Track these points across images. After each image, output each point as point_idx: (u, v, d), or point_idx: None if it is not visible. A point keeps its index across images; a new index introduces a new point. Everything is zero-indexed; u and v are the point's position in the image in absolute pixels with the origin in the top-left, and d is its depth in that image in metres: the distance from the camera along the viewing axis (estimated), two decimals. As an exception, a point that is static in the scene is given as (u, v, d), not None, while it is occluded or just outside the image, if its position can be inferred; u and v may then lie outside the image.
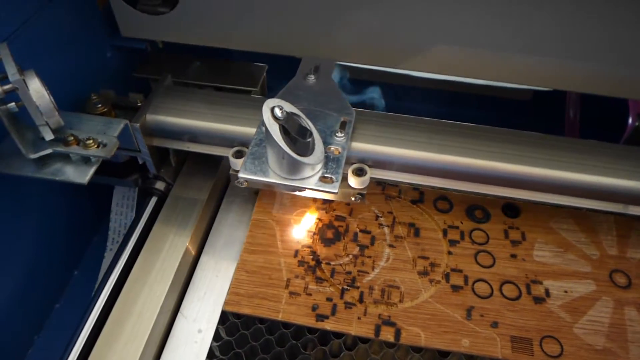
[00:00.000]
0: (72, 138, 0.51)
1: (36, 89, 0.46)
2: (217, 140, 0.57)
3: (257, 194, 0.63)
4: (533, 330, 0.52)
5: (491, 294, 0.54)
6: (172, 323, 0.53)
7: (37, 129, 0.49)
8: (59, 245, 0.68)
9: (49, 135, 0.50)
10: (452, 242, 0.59)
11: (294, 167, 0.50)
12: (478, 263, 0.57)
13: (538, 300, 0.54)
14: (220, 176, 0.65)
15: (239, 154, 0.56)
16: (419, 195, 0.63)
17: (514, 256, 0.58)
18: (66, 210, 0.68)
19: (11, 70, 0.45)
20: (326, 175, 0.51)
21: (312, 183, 0.51)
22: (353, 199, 0.55)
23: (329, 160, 0.52)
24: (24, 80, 0.45)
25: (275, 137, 0.47)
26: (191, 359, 0.50)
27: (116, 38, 0.67)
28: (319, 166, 0.51)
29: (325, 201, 0.62)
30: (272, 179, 0.51)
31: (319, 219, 0.60)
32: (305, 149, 0.50)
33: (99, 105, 0.58)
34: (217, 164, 0.65)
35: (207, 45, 0.64)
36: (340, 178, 0.51)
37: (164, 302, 0.52)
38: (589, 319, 0.53)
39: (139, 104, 0.60)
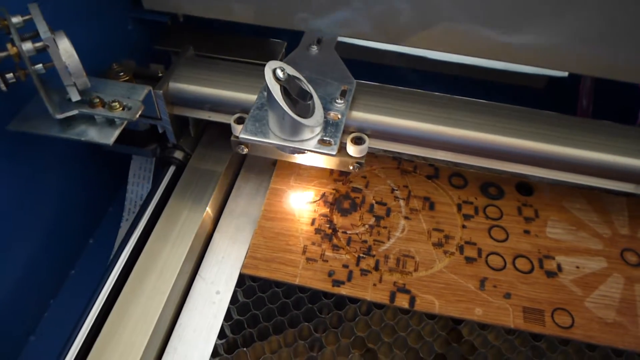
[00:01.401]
0: (97, 100, 0.52)
1: (66, 49, 0.47)
2: (238, 110, 0.57)
3: (274, 164, 0.64)
4: (545, 302, 0.52)
5: (504, 267, 0.55)
6: (191, 285, 0.54)
7: (63, 91, 0.50)
8: (75, 213, 0.69)
9: (75, 96, 0.50)
10: (467, 217, 0.59)
11: (293, 129, 0.50)
12: (492, 237, 0.58)
13: (550, 274, 0.55)
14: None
15: (240, 120, 0.56)
16: (434, 171, 0.64)
17: (527, 232, 0.58)
18: (83, 179, 0.69)
19: (42, 29, 0.46)
20: (325, 138, 0.52)
21: (311, 145, 0.51)
22: (351, 167, 0.55)
23: (328, 125, 0.53)
24: (54, 39, 0.46)
25: (276, 98, 0.48)
26: (209, 319, 0.51)
27: (138, 10, 0.68)
28: (318, 129, 0.52)
29: (341, 173, 0.63)
30: (272, 140, 0.52)
31: (336, 190, 0.61)
32: (305, 111, 0.50)
33: (122, 74, 0.59)
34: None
35: (228, 20, 0.65)
36: (338, 142, 0.51)
37: (183, 265, 0.53)
38: (600, 294, 0.53)
39: (160, 75, 0.61)
